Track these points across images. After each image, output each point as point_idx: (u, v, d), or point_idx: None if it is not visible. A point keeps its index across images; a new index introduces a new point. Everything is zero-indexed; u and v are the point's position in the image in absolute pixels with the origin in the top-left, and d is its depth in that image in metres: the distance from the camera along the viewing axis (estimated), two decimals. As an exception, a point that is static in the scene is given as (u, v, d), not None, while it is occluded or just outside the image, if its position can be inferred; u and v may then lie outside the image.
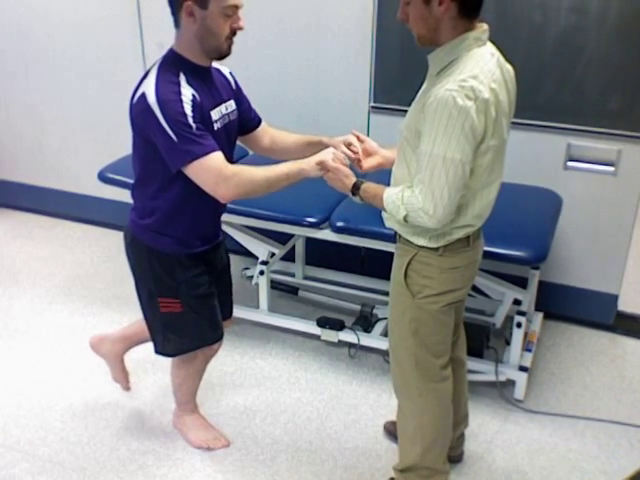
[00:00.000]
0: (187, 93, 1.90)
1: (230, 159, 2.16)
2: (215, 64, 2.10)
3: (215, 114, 2.02)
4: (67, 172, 4.18)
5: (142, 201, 2.11)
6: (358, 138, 2.15)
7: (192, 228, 2.13)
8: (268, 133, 2.32)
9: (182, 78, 1.92)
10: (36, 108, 4.07)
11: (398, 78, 3.12)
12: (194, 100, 1.90)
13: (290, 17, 3.24)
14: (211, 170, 1.91)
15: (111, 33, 3.67)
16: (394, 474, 2.24)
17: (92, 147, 4.00)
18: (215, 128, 2.02)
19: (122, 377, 2.66)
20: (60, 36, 3.81)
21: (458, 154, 1.69)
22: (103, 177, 3.09)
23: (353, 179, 1.96)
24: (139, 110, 1.90)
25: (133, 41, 3.62)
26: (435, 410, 2.11)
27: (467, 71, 1.69)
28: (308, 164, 1.99)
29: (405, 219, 1.82)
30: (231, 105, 2.13)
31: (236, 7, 1.92)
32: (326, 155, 2.00)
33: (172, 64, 1.95)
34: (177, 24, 1.94)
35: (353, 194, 1.96)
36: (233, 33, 1.96)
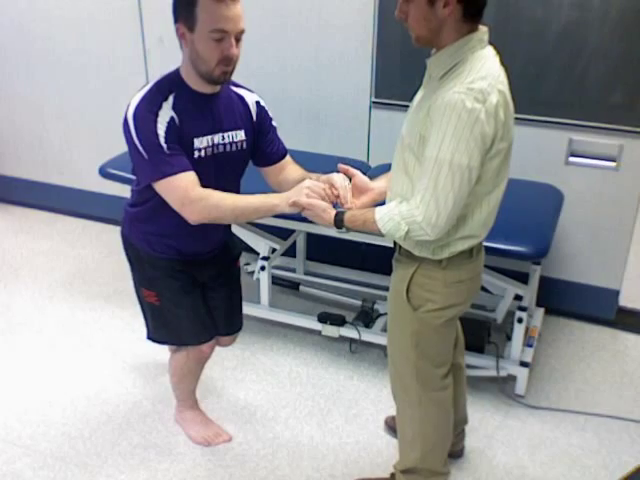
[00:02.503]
0: (165, 115, 1.86)
1: (225, 189, 1.98)
2: (243, 91, 2.08)
3: (201, 142, 1.96)
4: (68, 167, 4.18)
5: (133, 192, 2.13)
6: (348, 172, 1.99)
7: (162, 236, 2.10)
8: (286, 169, 2.18)
9: (170, 100, 1.89)
10: (37, 104, 4.07)
11: (400, 73, 3.11)
12: (171, 123, 1.87)
13: (291, 12, 3.23)
14: (177, 191, 1.88)
15: (112, 28, 3.66)
16: (395, 472, 2.23)
17: (93, 142, 4.00)
18: (196, 156, 1.95)
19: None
20: (61, 32, 3.80)
21: (466, 159, 1.62)
22: (104, 172, 3.09)
23: (332, 212, 1.85)
24: (123, 119, 1.90)
25: (134, 36, 3.61)
26: (435, 418, 2.08)
27: (474, 73, 1.64)
28: (282, 200, 1.89)
29: (406, 236, 1.72)
30: (236, 135, 2.04)
31: (224, 32, 1.80)
32: (299, 193, 1.88)
33: (168, 83, 1.93)
34: (180, 46, 1.92)
35: (338, 227, 1.84)
36: (227, 60, 1.84)
